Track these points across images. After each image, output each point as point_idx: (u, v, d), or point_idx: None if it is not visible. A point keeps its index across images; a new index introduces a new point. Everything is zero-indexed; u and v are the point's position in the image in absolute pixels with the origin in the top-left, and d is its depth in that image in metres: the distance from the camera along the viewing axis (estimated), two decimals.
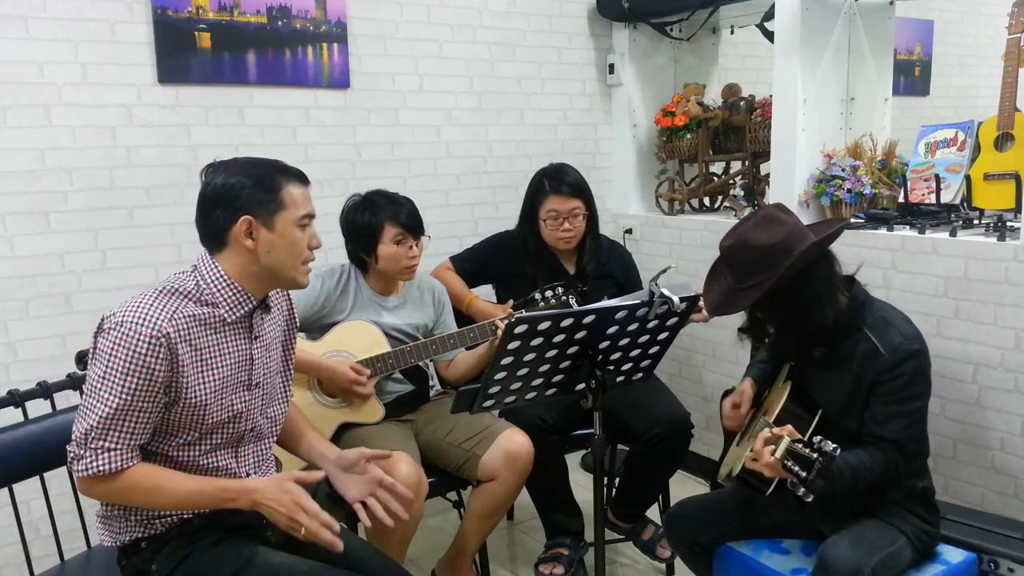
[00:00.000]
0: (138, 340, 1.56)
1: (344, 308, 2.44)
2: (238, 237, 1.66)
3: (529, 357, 1.89)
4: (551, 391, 2.03)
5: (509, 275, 2.81)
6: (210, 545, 1.71)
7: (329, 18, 2.99)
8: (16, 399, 2.02)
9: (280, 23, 2.90)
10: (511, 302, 2.56)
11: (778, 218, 1.89)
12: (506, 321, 2.31)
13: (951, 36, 4.84)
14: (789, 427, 1.75)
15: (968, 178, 2.57)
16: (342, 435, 2.36)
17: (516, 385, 1.96)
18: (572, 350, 1.94)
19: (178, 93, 2.77)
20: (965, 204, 2.61)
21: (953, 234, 2.48)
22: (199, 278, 1.69)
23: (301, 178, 1.73)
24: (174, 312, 1.62)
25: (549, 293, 2.45)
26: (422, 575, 2.66)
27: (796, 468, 1.66)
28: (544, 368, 1.95)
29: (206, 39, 2.78)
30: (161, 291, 1.65)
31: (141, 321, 1.57)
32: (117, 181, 2.70)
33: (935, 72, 4.77)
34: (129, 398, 1.57)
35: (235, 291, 1.69)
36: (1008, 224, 2.46)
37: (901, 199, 2.78)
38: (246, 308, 1.71)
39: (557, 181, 2.70)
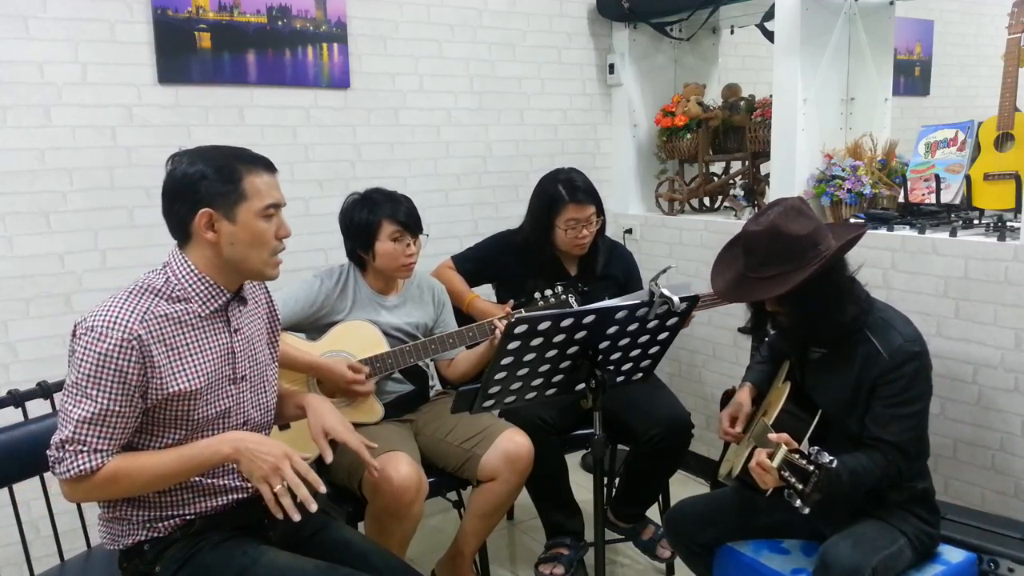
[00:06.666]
0: (109, 344, 1.54)
1: (343, 308, 2.44)
2: (199, 230, 1.63)
3: (529, 357, 1.89)
4: (551, 391, 2.03)
5: (510, 275, 2.80)
6: (214, 545, 1.70)
7: (329, 18, 2.99)
8: (16, 399, 2.01)
9: (280, 23, 2.90)
10: (511, 302, 2.56)
11: (805, 211, 1.90)
12: (505, 320, 2.32)
13: (951, 36, 4.84)
14: (786, 436, 1.74)
15: (968, 178, 2.57)
16: None
17: (516, 385, 1.96)
18: (572, 350, 1.94)
19: (178, 93, 2.77)
20: (965, 204, 2.61)
21: (953, 234, 2.48)
22: (169, 274, 1.66)
23: (267, 166, 1.68)
24: (145, 312, 1.59)
25: (548, 292, 2.45)
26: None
27: (793, 480, 1.65)
28: (544, 368, 1.95)
29: (206, 39, 2.78)
30: (132, 292, 1.62)
31: (111, 325, 1.55)
32: (117, 181, 2.69)
33: (935, 72, 4.78)
34: (106, 402, 1.55)
35: (207, 284, 1.67)
36: (1008, 224, 2.46)
37: (901, 199, 2.78)
38: (220, 301, 1.69)
39: (573, 188, 2.65)
